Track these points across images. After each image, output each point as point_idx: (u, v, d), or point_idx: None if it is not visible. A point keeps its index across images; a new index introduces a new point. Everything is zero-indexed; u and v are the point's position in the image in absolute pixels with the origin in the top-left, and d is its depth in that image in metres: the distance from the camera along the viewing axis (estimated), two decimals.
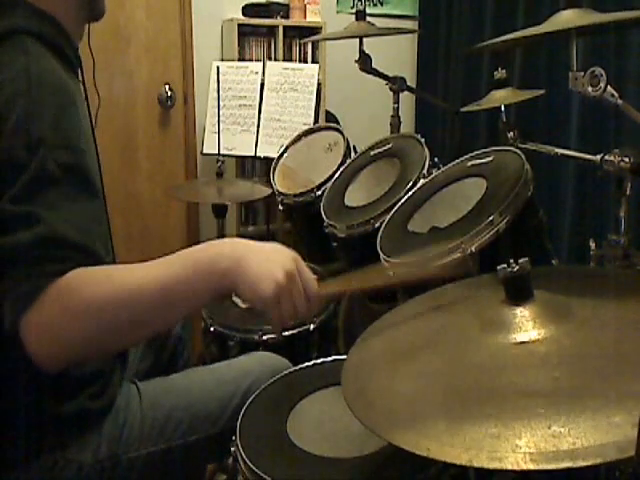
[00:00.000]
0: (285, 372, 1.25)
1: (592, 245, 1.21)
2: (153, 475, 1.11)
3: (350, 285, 1.08)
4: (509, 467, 0.62)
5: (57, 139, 0.87)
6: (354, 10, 2.05)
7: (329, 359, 1.30)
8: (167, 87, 2.98)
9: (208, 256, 0.89)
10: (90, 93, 1.17)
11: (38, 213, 0.82)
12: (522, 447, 0.63)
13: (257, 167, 3.11)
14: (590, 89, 1.08)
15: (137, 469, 1.09)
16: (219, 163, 2.28)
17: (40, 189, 0.84)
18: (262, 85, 2.76)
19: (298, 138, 2.19)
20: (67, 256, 0.83)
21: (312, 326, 1.62)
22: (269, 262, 0.89)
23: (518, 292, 0.84)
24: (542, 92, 1.81)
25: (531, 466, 0.61)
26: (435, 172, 1.59)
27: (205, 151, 2.82)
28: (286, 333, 1.54)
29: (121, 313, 0.84)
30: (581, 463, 0.60)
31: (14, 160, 0.85)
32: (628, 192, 1.17)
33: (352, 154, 1.96)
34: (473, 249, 1.21)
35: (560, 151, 1.42)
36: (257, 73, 2.77)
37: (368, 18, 2.01)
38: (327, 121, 3.03)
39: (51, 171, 0.85)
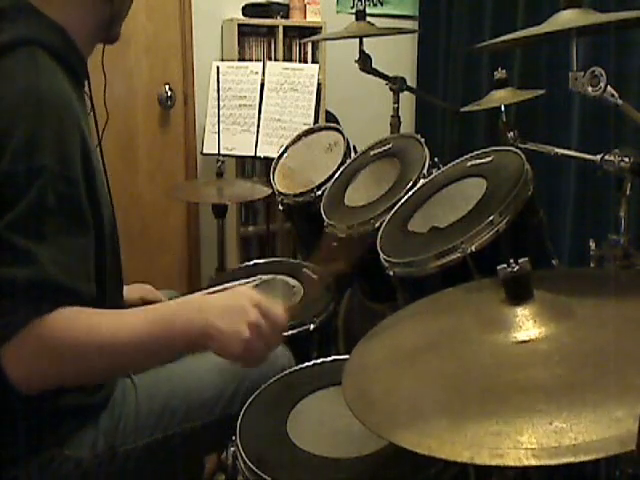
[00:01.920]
0: (285, 372, 1.25)
1: (592, 245, 1.21)
2: (151, 465, 1.12)
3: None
4: (511, 463, 0.62)
5: (57, 168, 0.89)
6: (354, 10, 2.05)
7: (329, 359, 1.30)
8: (167, 87, 2.98)
9: (182, 323, 0.94)
10: (98, 108, 1.17)
11: (32, 251, 0.85)
12: (524, 443, 0.63)
13: (257, 167, 3.11)
14: (590, 89, 1.08)
15: (135, 460, 1.09)
16: (219, 163, 2.28)
17: (37, 219, 0.87)
18: (262, 85, 2.76)
19: (298, 138, 2.19)
20: (53, 298, 0.87)
21: (312, 326, 1.62)
22: (234, 319, 0.94)
23: (518, 292, 0.84)
24: (542, 92, 1.81)
25: (533, 462, 0.61)
26: (435, 172, 1.59)
27: (205, 151, 2.82)
28: (286, 333, 1.54)
29: (96, 361, 0.90)
30: (583, 458, 0.60)
31: (15, 184, 0.87)
32: (628, 192, 1.17)
33: (352, 154, 1.96)
34: (473, 249, 1.21)
35: (560, 151, 1.42)
36: (257, 73, 2.77)
37: (368, 18, 2.02)
38: (327, 121, 3.03)
39: (48, 201, 0.87)
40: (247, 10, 2.99)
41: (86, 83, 1.11)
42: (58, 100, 0.94)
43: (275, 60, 2.98)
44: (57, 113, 0.92)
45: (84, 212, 0.94)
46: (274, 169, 2.12)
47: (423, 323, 0.98)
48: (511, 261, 0.84)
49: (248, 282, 1.76)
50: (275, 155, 2.18)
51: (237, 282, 1.52)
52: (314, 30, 2.98)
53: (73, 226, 0.91)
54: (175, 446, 1.14)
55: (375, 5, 3.41)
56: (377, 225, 1.52)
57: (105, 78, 1.17)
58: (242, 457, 1.00)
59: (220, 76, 2.56)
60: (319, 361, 1.29)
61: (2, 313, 0.85)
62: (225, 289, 1.05)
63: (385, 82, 2.11)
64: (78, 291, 0.89)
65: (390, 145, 1.84)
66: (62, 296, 0.87)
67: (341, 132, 2.08)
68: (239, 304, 0.96)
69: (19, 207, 0.86)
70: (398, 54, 3.35)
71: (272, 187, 2.06)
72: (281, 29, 2.96)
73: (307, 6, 3.05)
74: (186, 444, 1.15)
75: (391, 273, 1.33)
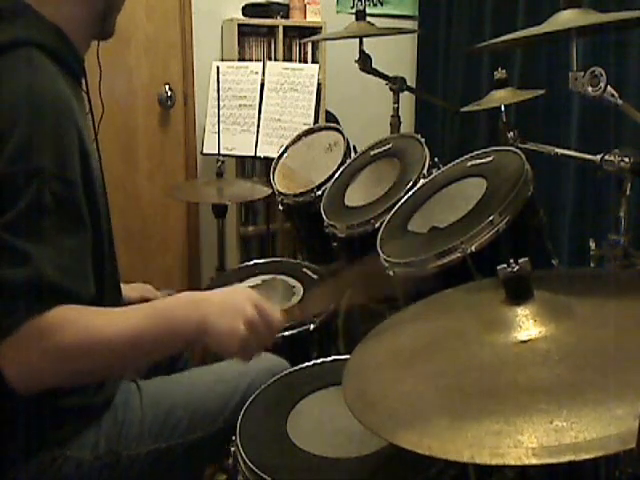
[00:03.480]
0: (285, 372, 1.25)
1: (592, 245, 1.21)
2: (153, 473, 1.12)
3: (309, 310, 1.22)
4: (511, 462, 0.62)
5: (55, 169, 0.89)
6: (354, 10, 2.05)
7: (329, 359, 1.30)
8: (167, 87, 2.98)
9: (180, 318, 0.95)
10: (95, 101, 1.17)
11: (30, 251, 0.85)
12: (524, 442, 0.63)
13: (257, 167, 3.10)
14: (590, 89, 1.08)
15: (137, 467, 1.09)
16: (219, 163, 2.28)
17: (34, 220, 0.87)
18: (262, 85, 2.76)
19: (298, 138, 2.19)
20: (50, 298, 0.86)
21: (312, 326, 1.62)
22: (231, 316, 0.95)
23: (518, 292, 0.84)
24: (542, 92, 1.81)
25: (534, 460, 0.61)
26: (435, 172, 1.59)
27: (205, 151, 2.82)
28: (286, 333, 1.54)
29: (93, 360, 0.90)
30: (584, 456, 0.60)
31: (12, 185, 0.87)
32: (628, 192, 1.17)
33: (352, 154, 1.96)
34: (473, 249, 1.21)
35: (560, 151, 1.42)
36: (257, 73, 2.77)
37: (368, 18, 2.01)
38: (327, 121, 3.03)
39: (46, 202, 0.88)
40: (247, 10, 2.99)
41: (83, 82, 1.11)
42: (56, 101, 0.94)
43: (275, 60, 2.97)
44: (55, 114, 0.92)
45: (81, 213, 0.94)
46: (274, 169, 2.12)
47: (423, 324, 0.98)
48: (511, 261, 0.84)
49: (249, 284, 1.77)
50: (275, 155, 2.18)
51: (238, 284, 1.52)
52: (314, 30, 2.98)
53: (70, 227, 0.91)
54: (177, 456, 1.14)
55: (375, 5, 3.41)
56: (377, 225, 1.52)
57: (100, 70, 1.16)
58: (242, 457, 1.00)
59: (220, 76, 2.57)
60: (319, 361, 1.29)
61: None
62: None
63: (385, 82, 2.11)
64: (75, 291, 0.89)
65: (390, 145, 1.84)
66: (59, 296, 0.87)
67: (341, 132, 2.08)
68: (236, 301, 0.97)
69: (17, 208, 0.86)
70: (398, 54, 3.35)
71: (272, 187, 2.06)
72: (281, 29, 2.96)
73: (307, 6, 3.05)
74: (188, 454, 1.15)
75: (391, 273, 1.33)
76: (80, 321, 0.89)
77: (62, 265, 0.88)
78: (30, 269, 0.85)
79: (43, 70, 0.95)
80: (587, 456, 0.60)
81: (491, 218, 1.22)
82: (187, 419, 1.15)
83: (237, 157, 2.90)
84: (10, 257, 0.85)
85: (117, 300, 1.16)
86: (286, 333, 1.55)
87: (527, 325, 0.81)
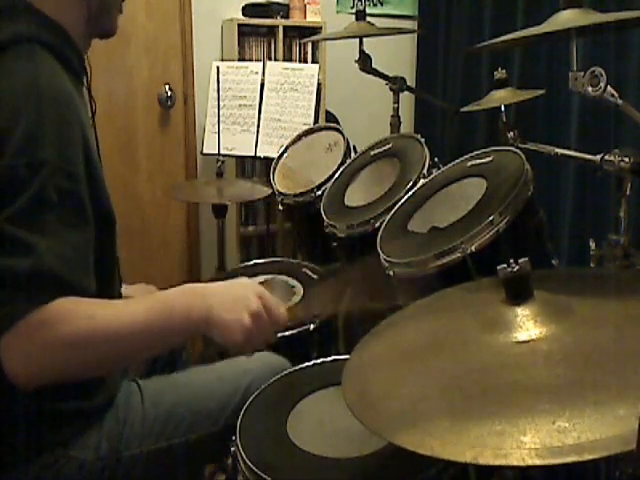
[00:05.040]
0: (285, 372, 1.25)
1: (592, 245, 1.21)
2: (154, 473, 1.12)
3: (312, 310, 1.21)
4: (515, 463, 0.61)
5: (58, 163, 0.89)
6: (354, 10, 2.05)
7: (329, 359, 1.30)
8: (167, 87, 2.98)
9: (182, 308, 0.94)
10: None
11: (32, 242, 0.85)
12: (527, 443, 0.63)
13: (257, 167, 3.10)
14: (590, 89, 1.08)
15: (138, 467, 1.09)
16: (219, 163, 2.28)
17: (37, 213, 0.87)
18: (262, 85, 2.76)
19: (298, 138, 2.19)
20: (55, 289, 0.86)
21: (312, 326, 1.62)
22: (235, 307, 0.95)
23: (518, 292, 0.84)
24: (542, 92, 1.81)
25: (537, 461, 0.61)
26: (435, 172, 1.59)
27: (205, 151, 2.82)
28: (286, 333, 1.54)
29: (95, 352, 0.89)
30: (587, 457, 0.60)
31: (16, 178, 0.87)
32: (628, 192, 1.17)
33: (352, 154, 1.96)
34: (473, 249, 1.21)
35: (560, 151, 1.42)
36: (257, 73, 2.77)
37: (368, 18, 2.01)
38: (327, 121, 3.02)
39: (49, 195, 0.88)
40: (247, 10, 2.99)
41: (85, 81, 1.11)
42: (59, 96, 0.94)
43: (275, 60, 2.97)
44: (58, 109, 0.92)
45: (84, 207, 0.94)
46: (274, 169, 2.12)
47: (423, 323, 0.98)
48: (511, 261, 0.84)
49: None
50: (275, 155, 2.18)
51: None
52: (314, 30, 2.98)
53: (73, 220, 0.91)
54: (178, 455, 1.14)
55: (375, 5, 3.41)
56: (377, 225, 1.52)
57: (90, 67, 1.15)
58: (242, 457, 1.00)
59: (220, 76, 2.56)
60: (319, 361, 1.29)
61: (0, 304, 0.84)
62: None
63: (385, 82, 2.11)
64: (77, 283, 0.89)
65: (390, 145, 1.84)
66: (61, 287, 0.86)
67: (341, 132, 2.08)
68: (241, 293, 0.97)
69: (20, 201, 0.86)
70: (398, 54, 3.35)
71: (272, 187, 2.06)
72: (281, 29, 2.96)
73: (307, 6, 3.05)
74: (189, 454, 1.15)
75: (391, 273, 1.33)
76: (83, 312, 0.88)
77: (65, 257, 0.87)
78: (33, 259, 0.84)
79: (45, 65, 0.95)
80: (590, 457, 0.60)
81: (491, 218, 1.22)
82: (188, 419, 1.15)
83: (237, 157, 2.90)
84: (13, 248, 0.85)
85: (117, 298, 1.16)
86: (286, 333, 1.55)
87: (527, 325, 0.80)
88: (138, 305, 0.94)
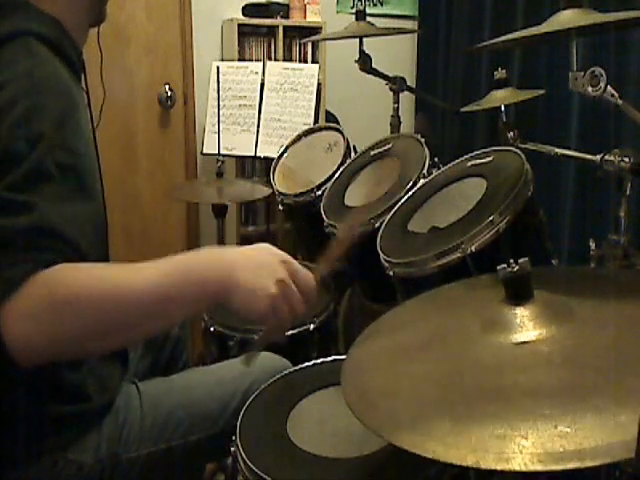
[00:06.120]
0: (285, 372, 1.25)
1: (592, 245, 1.21)
2: (153, 475, 1.12)
3: (333, 257, 1.02)
4: (517, 468, 0.61)
5: (58, 138, 0.87)
6: (354, 10, 2.05)
7: (329, 359, 1.30)
8: (167, 87, 2.98)
9: (199, 272, 0.86)
10: (96, 89, 1.16)
11: (34, 202, 0.81)
12: (529, 447, 0.62)
13: (257, 167, 3.10)
14: (590, 89, 1.08)
15: (137, 469, 1.09)
16: (219, 163, 2.28)
17: (36, 182, 0.83)
18: (262, 85, 2.76)
19: (298, 138, 2.19)
20: (58, 248, 0.81)
21: (312, 326, 1.62)
22: (260, 273, 0.86)
23: (518, 292, 0.84)
24: (542, 92, 1.81)
25: (539, 467, 0.60)
26: (435, 172, 1.59)
27: (205, 151, 2.82)
28: (286, 333, 1.54)
29: (109, 311, 0.81)
30: (589, 463, 0.59)
31: (13, 150, 0.84)
32: (628, 192, 1.17)
33: (352, 154, 1.96)
34: (473, 249, 1.21)
35: (560, 151, 1.42)
36: (257, 73, 2.77)
37: (368, 18, 2.01)
38: (327, 121, 3.02)
39: (48, 168, 0.84)
40: (247, 10, 2.99)
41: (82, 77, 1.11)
42: (58, 85, 0.93)
43: (275, 60, 2.97)
44: (57, 96, 0.92)
45: (89, 183, 0.90)
46: (274, 169, 2.12)
47: (422, 321, 0.97)
48: (511, 261, 0.84)
49: None
50: (275, 155, 2.18)
51: None
52: (314, 30, 2.98)
53: (76, 194, 0.87)
54: (178, 457, 1.13)
55: (375, 5, 3.41)
56: (377, 225, 1.52)
57: (101, 56, 1.14)
58: (242, 457, 1.00)
59: (220, 76, 2.56)
60: (319, 361, 1.29)
61: (0, 268, 0.78)
62: None
63: (385, 82, 2.11)
64: (81, 245, 0.83)
65: (390, 145, 1.84)
66: (65, 246, 0.81)
67: (341, 132, 2.08)
68: (267, 259, 0.89)
69: (18, 171, 0.82)
70: (398, 54, 3.35)
71: (272, 187, 2.06)
72: (281, 29, 2.96)
73: (307, 6, 3.05)
74: (189, 456, 1.15)
75: (391, 273, 1.33)
76: (89, 272, 0.82)
77: (67, 217, 0.83)
78: (34, 216, 0.80)
79: (44, 59, 0.94)
80: (592, 463, 0.59)
81: (491, 218, 1.22)
82: (187, 421, 1.14)
83: (237, 157, 2.90)
84: (12, 208, 0.80)
85: None
86: (286, 333, 1.55)
87: (527, 326, 0.80)
88: (152, 269, 0.86)
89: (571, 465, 0.60)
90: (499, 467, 0.62)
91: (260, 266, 0.87)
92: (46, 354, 0.82)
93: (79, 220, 0.85)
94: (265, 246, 0.92)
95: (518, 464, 0.61)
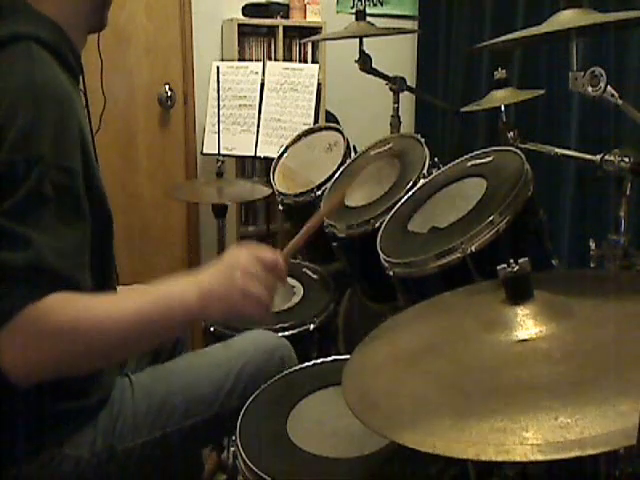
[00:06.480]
0: (285, 372, 1.25)
1: (592, 245, 1.21)
2: (150, 464, 1.12)
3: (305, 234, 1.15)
4: (517, 459, 0.61)
5: (55, 158, 0.89)
6: (354, 10, 2.05)
7: (329, 359, 1.30)
8: (167, 87, 2.97)
9: (175, 292, 0.94)
10: (97, 95, 1.17)
11: (29, 236, 0.85)
12: (529, 439, 0.63)
13: (257, 167, 3.10)
14: (590, 89, 1.08)
15: (134, 459, 1.09)
16: (219, 163, 2.28)
17: (33, 208, 0.87)
18: (262, 85, 2.76)
19: (298, 138, 2.20)
20: (48, 283, 0.86)
21: (312, 326, 1.62)
22: (225, 272, 0.95)
23: (518, 292, 0.84)
24: (542, 92, 1.81)
25: (539, 457, 0.61)
26: (435, 172, 1.59)
27: (205, 151, 2.82)
28: (286, 333, 1.54)
29: (94, 341, 0.88)
30: (590, 451, 0.60)
31: (12, 173, 0.87)
32: (628, 192, 1.17)
33: (352, 154, 1.96)
34: (473, 249, 1.21)
35: (560, 151, 1.42)
36: (257, 73, 2.77)
37: (368, 18, 2.02)
38: (327, 121, 3.02)
39: (46, 191, 0.88)
40: (247, 10, 2.99)
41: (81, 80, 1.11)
42: (57, 92, 0.94)
43: (275, 60, 2.97)
44: (55, 106, 0.92)
45: (81, 203, 0.93)
46: (274, 169, 2.12)
47: (423, 325, 0.98)
48: (511, 261, 0.84)
49: None
50: (275, 155, 2.18)
51: None
52: (314, 30, 2.98)
53: (70, 216, 0.91)
54: (174, 443, 1.14)
55: (375, 5, 3.41)
56: (377, 225, 1.52)
57: (102, 62, 1.15)
58: (242, 457, 1.00)
59: (220, 76, 2.56)
60: (319, 361, 1.30)
61: None
62: None
63: (385, 82, 2.11)
64: (72, 278, 0.89)
65: (390, 145, 1.84)
66: (58, 281, 0.86)
67: (341, 132, 2.08)
68: (228, 260, 0.97)
69: (17, 195, 0.86)
70: (398, 54, 3.35)
71: (272, 187, 2.06)
72: (281, 29, 2.96)
73: (307, 6, 3.05)
74: (185, 441, 1.15)
75: (391, 273, 1.33)
76: (80, 303, 0.88)
77: (61, 251, 0.87)
78: (30, 253, 0.84)
79: (43, 63, 0.95)
80: (593, 451, 0.60)
81: (491, 218, 1.22)
82: (182, 406, 1.15)
83: (237, 157, 2.90)
84: (10, 242, 0.85)
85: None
86: (286, 333, 1.55)
87: (527, 325, 0.80)
88: (133, 296, 0.94)
89: (572, 454, 0.60)
90: (499, 459, 0.62)
91: (224, 267, 0.96)
92: (39, 378, 0.89)
93: (72, 247, 0.90)
94: (230, 250, 1.00)
95: (519, 455, 0.62)
